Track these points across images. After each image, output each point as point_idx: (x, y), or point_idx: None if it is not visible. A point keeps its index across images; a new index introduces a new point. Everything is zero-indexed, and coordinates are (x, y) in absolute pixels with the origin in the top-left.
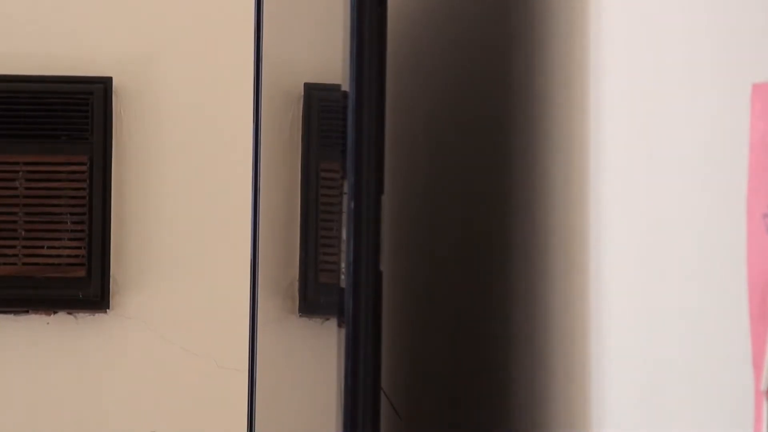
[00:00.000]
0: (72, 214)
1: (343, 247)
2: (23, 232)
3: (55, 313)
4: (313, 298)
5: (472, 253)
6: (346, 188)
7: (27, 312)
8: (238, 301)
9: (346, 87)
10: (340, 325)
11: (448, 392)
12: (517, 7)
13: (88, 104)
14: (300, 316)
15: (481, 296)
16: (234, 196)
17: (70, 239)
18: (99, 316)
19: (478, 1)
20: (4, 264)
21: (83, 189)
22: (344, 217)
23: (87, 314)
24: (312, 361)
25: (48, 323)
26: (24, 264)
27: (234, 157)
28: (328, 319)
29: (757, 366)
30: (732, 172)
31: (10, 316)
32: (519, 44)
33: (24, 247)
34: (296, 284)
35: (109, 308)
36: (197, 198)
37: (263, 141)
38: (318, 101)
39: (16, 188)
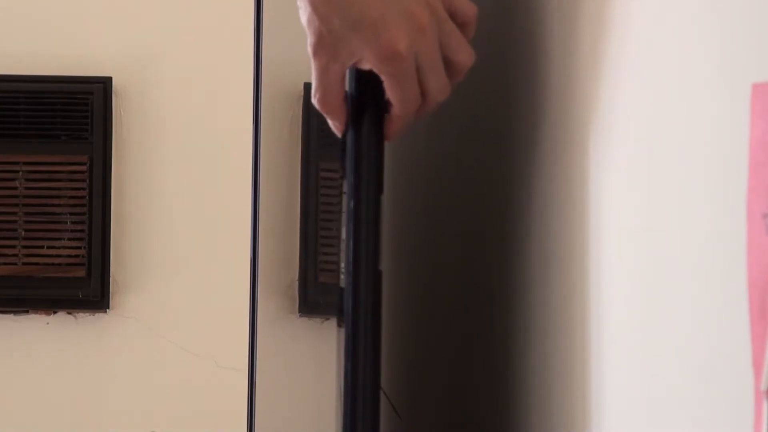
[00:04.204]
0: (72, 214)
1: (343, 246)
2: (23, 232)
3: (55, 313)
4: (313, 298)
5: (473, 252)
6: (345, 188)
7: (27, 312)
8: (238, 301)
9: (345, 86)
10: (340, 325)
11: (448, 392)
12: (518, 8)
13: (88, 104)
14: (300, 316)
15: (481, 296)
16: (234, 195)
17: (70, 239)
18: (99, 316)
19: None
20: (4, 264)
21: (83, 189)
22: (344, 216)
23: (87, 314)
24: (312, 361)
25: (48, 323)
26: (24, 264)
27: (234, 156)
28: (328, 319)
29: (757, 366)
30: (732, 172)
31: (10, 316)
32: (520, 42)
33: (24, 247)
34: (296, 284)
35: (108, 308)
36: (197, 198)
37: (263, 141)
38: None
39: (16, 188)
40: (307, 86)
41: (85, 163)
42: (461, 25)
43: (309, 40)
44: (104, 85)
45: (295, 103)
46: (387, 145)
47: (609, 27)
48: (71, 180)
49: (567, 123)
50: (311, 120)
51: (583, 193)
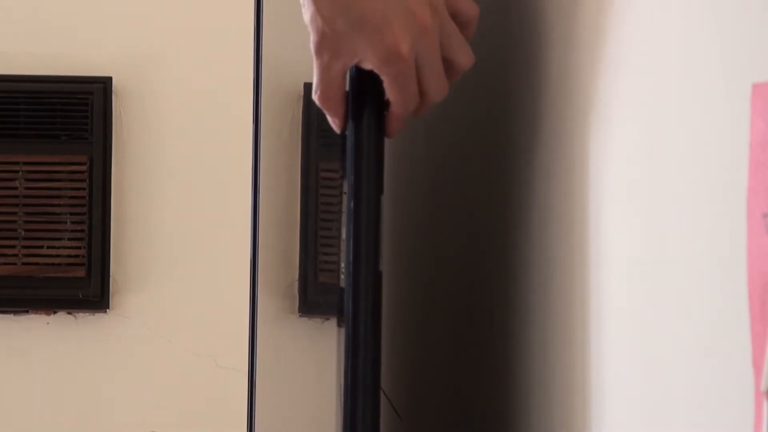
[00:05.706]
0: (72, 214)
1: (343, 246)
2: (23, 232)
3: (55, 313)
4: (313, 298)
5: (473, 253)
6: (345, 188)
7: (27, 312)
8: (238, 301)
9: (345, 86)
10: (340, 325)
11: (448, 392)
12: (517, 9)
13: (87, 104)
14: (300, 316)
15: (481, 297)
16: (234, 195)
17: (69, 239)
18: (99, 316)
19: None
20: (4, 264)
21: (83, 189)
22: (344, 217)
23: (87, 314)
24: (312, 361)
25: (48, 323)
26: (24, 264)
27: (234, 156)
28: (328, 319)
29: (757, 366)
30: (732, 172)
31: (10, 316)
32: (519, 43)
33: (24, 247)
34: (296, 284)
35: (108, 308)
36: (197, 198)
37: (263, 141)
38: None
39: (16, 188)
40: (307, 86)
41: (85, 163)
42: (462, 26)
43: (312, 38)
44: (104, 85)
45: (295, 103)
46: (387, 145)
47: (608, 27)
48: (71, 180)
49: (567, 123)
50: (311, 120)
51: (583, 194)
